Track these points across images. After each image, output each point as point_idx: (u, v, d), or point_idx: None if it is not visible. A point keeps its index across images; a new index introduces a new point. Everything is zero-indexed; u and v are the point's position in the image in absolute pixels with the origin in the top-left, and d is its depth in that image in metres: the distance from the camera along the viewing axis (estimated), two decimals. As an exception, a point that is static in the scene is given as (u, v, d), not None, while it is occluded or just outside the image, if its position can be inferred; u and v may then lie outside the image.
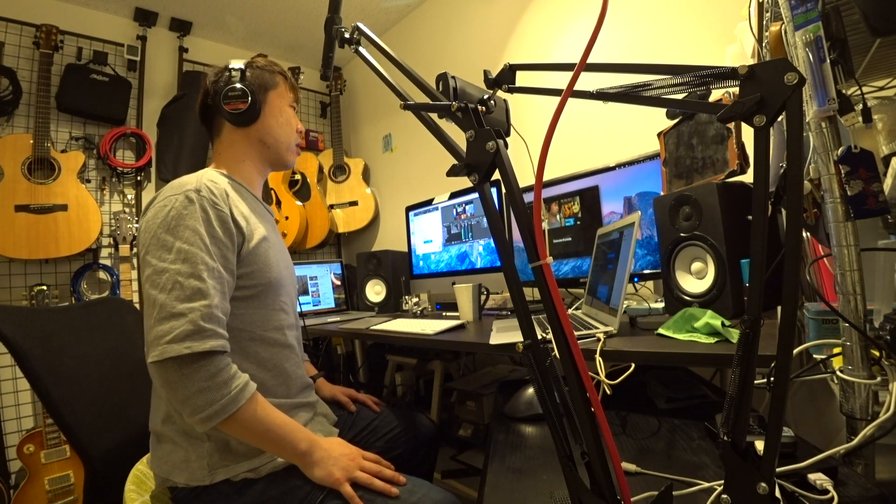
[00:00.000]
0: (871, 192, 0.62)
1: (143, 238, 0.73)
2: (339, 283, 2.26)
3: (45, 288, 1.83)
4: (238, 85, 0.88)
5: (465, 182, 1.80)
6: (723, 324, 0.78)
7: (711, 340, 0.77)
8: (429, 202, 1.92)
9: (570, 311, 1.29)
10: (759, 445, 0.45)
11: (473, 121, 0.52)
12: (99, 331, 1.00)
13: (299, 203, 2.41)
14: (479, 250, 1.70)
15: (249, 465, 0.73)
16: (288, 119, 0.96)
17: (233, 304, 0.76)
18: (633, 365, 0.76)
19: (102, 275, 2.08)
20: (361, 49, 0.73)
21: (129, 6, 2.22)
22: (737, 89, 0.41)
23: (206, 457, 0.73)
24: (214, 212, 0.74)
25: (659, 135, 1.17)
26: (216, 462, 0.73)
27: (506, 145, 0.51)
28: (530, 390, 1.13)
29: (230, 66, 0.91)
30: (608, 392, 0.72)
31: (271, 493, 0.72)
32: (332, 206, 2.62)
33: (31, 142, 1.84)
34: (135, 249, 2.15)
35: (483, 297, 1.48)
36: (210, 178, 0.80)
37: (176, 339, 0.64)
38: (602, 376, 0.75)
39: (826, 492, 0.52)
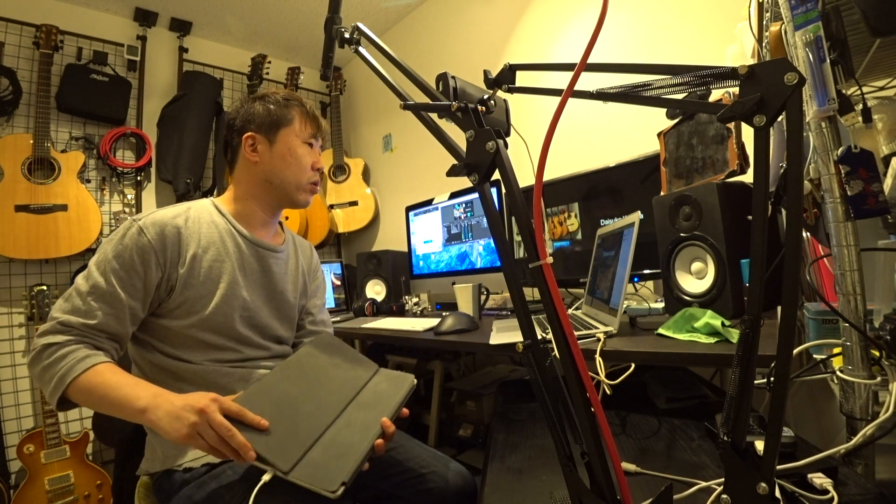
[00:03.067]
0: (871, 192, 0.62)
1: None
2: (339, 283, 2.26)
3: (45, 288, 1.83)
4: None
5: (465, 182, 1.80)
6: (723, 324, 0.78)
7: (711, 340, 0.77)
8: (429, 202, 1.92)
9: (570, 311, 1.29)
10: (759, 445, 0.45)
11: (473, 121, 0.52)
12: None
13: (299, 203, 2.41)
14: (479, 250, 1.70)
15: (193, 454, 0.77)
16: (299, 158, 0.92)
17: (164, 321, 0.82)
18: (633, 365, 0.76)
19: (102, 275, 2.07)
20: (361, 49, 0.73)
21: (129, 6, 2.23)
22: (737, 89, 0.41)
23: (161, 445, 0.80)
24: (135, 240, 0.79)
25: (659, 135, 1.17)
26: (167, 451, 0.79)
27: (506, 145, 0.51)
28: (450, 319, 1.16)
29: (248, 101, 0.93)
30: (608, 392, 0.72)
31: (206, 478, 0.74)
32: (331, 206, 2.63)
33: (31, 142, 1.84)
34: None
35: (483, 297, 1.48)
36: (184, 206, 0.87)
37: (39, 334, 0.74)
38: (602, 376, 0.75)
39: (826, 492, 0.52)
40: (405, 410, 0.81)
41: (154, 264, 0.79)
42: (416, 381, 0.84)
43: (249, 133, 0.91)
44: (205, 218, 0.88)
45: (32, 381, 0.78)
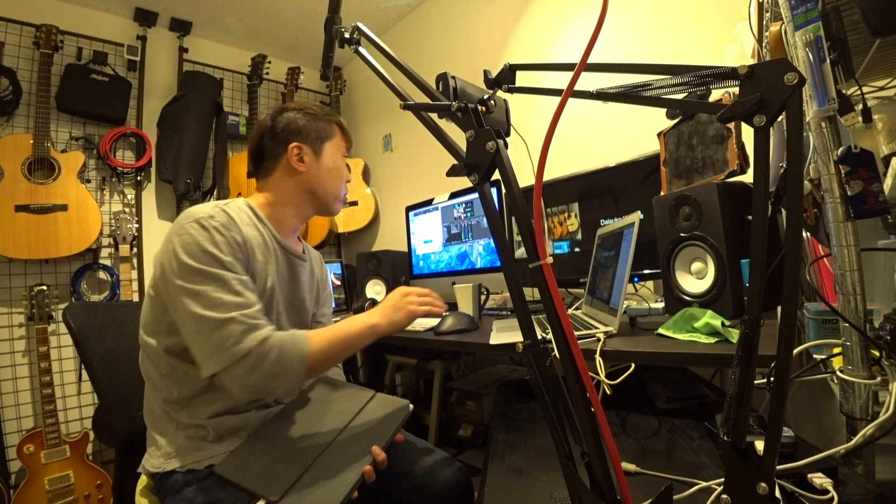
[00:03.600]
0: (871, 192, 0.62)
1: (166, 262, 0.76)
2: (339, 283, 2.26)
3: (45, 288, 1.83)
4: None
5: (465, 182, 1.80)
6: (723, 324, 0.78)
7: (711, 340, 0.77)
8: (429, 202, 1.92)
9: (570, 311, 1.29)
10: (759, 445, 0.45)
11: (473, 121, 0.52)
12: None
13: (299, 203, 2.41)
14: (479, 250, 1.70)
15: (197, 456, 0.77)
16: (340, 171, 0.97)
17: None
18: (633, 365, 0.76)
19: (102, 275, 2.08)
20: (361, 49, 0.74)
21: (129, 6, 2.23)
22: (737, 89, 0.41)
23: (164, 446, 0.79)
24: (228, 234, 0.79)
25: (659, 135, 1.17)
26: (171, 452, 0.78)
27: (506, 145, 0.51)
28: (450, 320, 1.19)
29: (287, 110, 0.93)
30: (608, 392, 0.72)
31: (209, 482, 0.75)
32: (332, 206, 2.62)
33: (31, 142, 1.84)
34: (134, 250, 2.15)
35: (483, 297, 1.48)
36: (227, 204, 0.85)
37: (237, 341, 0.70)
38: (602, 376, 0.75)
39: (826, 492, 0.52)
40: (399, 436, 0.84)
41: (240, 254, 0.80)
42: (412, 407, 0.86)
43: (296, 143, 0.91)
44: (244, 219, 0.86)
45: (236, 377, 0.73)
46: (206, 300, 0.72)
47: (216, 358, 0.70)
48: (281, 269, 0.90)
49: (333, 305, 2.19)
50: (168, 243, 0.77)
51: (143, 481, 0.85)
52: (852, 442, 0.60)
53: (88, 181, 2.06)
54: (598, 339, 0.83)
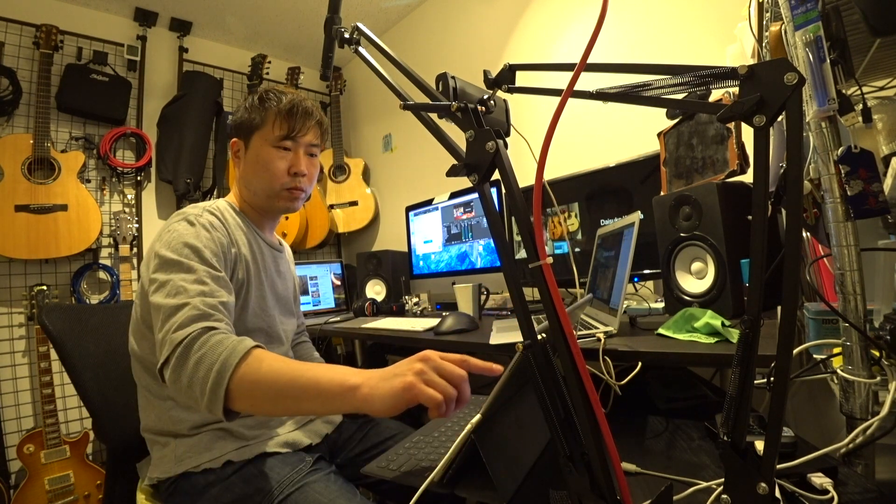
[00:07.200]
0: (871, 192, 0.62)
1: (147, 260, 0.75)
2: (339, 283, 2.26)
3: (45, 288, 1.83)
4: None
5: (465, 182, 1.80)
6: (723, 324, 0.78)
7: (711, 340, 0.77)
8: (429, 202, 1.92)
9: (569, 310, 1.28)
10: (759, 445, 0.45)
11: (473, 121, 0.52)
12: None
13: (299, 203, 2.41)
14: (479, 250, 1.70)
15: (210, 454, 0.75)
16: (266, 164, 0.85)
17: None
18: (640, 363, 0.76)
19: (102, 275, 2.08)
20: (361, 49, 0.73)
21: (129, 6, 2.23)
22: (737, 89, 0.41)
23: (175, 448, 0.76)
24: (214, 234, 0.77)
25: (659, 135, 1.17)
26: (181, 454, 0.76)
27: (506, 145, 0.51)
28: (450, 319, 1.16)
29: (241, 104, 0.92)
30: (619, 394, 0.72)
31: (233, 479, 0.73)
32: (332, 206, 2.62)
33: (31, 142, 1.84)
34: (135, 250, 2.15)
35: (483, 297, 1.48)
36: (214, 205, 0.84)
37: (180, 326, 0.61)
38: (611, 379, 0.75)
39: (826, 492, 0.52)
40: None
41: (221, 254, 0.77)
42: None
43: (234, 139, 0.90)
44: (230, 220, 0.84)
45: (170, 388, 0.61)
46: (170, 288, 0.65)
47: (160, 350, 0.61)
48: (268, 265, 0.91)
49: (333, 305, 2.20)
50: (153, 243, 0.77)
51: (144, 490, 0.83)
52: (848, 438, 0.60)
53: (88, 181, 2.06)
54: (599, 340, 0.83)
